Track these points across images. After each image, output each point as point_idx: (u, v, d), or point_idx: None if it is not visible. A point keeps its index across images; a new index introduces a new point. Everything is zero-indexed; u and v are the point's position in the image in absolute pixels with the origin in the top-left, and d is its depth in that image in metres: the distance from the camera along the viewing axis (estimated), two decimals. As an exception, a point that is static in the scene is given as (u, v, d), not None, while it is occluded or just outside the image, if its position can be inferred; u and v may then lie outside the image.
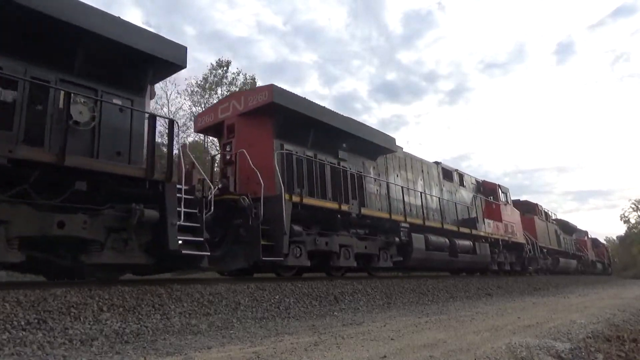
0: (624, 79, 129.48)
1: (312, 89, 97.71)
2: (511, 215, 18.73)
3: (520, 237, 18.96)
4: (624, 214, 66.70)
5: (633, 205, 65.50)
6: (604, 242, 43.98)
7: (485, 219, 16.41)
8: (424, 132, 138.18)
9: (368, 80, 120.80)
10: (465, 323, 5.66)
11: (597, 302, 9.79)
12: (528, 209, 22.83)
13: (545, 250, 22.36)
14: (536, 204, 23.82)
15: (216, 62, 29.77)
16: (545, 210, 25.07)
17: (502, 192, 18.75)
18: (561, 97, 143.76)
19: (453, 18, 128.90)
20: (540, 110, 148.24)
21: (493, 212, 17.36)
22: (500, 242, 16.87)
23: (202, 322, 5.27)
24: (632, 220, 65.55)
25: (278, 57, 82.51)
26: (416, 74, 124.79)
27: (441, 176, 15.17)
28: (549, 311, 7.38)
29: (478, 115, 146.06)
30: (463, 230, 14.27)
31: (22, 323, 4.08)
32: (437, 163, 15.35)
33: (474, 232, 14.83)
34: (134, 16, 58.69)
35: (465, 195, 16.46)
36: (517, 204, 22.42)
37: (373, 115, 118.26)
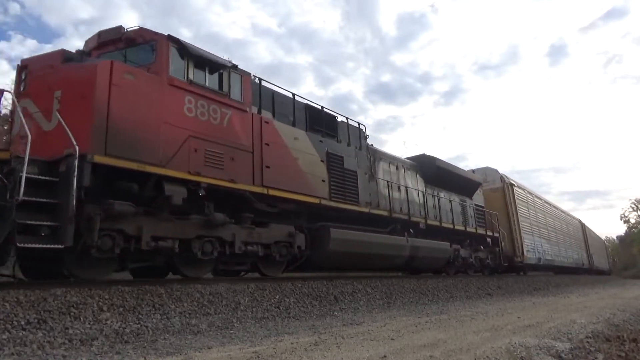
0: (616, 80, 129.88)
1: (308, 90, 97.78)
2: None
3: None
4: (624, 214, 66.88)
5: (633, 205, 65.66)
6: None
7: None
8: (420, 133, 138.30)
9: (363, 81, 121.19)
10: (465, 323, 5.66)
11: (597, 302, 9.78)
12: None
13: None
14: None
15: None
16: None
17: None
18: (555, 99, 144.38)
19: (446, 20, 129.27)
20: (536, 112, 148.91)
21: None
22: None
23: (202, 322, 5.28)
24: (632, 220, 65.74)
25: (274, 59, 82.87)
26: (411, 76, 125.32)
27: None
28: (549, 311, 7.38)
29: (474, 116, 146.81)
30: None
31: (22, 323, 4.08)
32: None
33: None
34: (130, 18, 58.51)
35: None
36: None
37: (369, 117, 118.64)
